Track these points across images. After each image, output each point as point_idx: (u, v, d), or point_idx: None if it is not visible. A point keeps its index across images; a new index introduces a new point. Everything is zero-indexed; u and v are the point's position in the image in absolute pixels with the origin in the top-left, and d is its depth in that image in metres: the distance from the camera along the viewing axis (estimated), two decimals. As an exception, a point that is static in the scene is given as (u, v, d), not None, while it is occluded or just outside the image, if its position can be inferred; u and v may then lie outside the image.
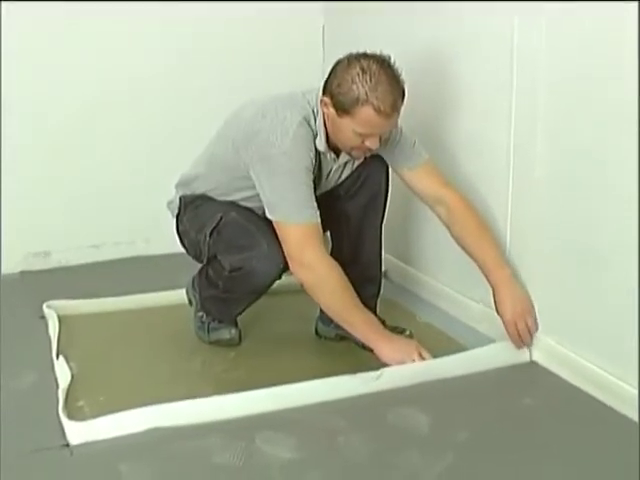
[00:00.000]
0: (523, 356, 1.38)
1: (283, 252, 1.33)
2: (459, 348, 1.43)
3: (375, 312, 1.52)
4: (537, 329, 1.36)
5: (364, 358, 1.38)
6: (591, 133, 1.21)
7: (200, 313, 1.55)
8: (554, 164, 1.30)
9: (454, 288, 1.49)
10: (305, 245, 1.29)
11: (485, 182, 1.51)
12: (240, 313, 1.49)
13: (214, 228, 1.38)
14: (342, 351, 1.39)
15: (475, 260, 1.40)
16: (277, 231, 1.31)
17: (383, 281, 1.55)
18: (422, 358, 1.31)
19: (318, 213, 1.31)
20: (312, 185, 1.31)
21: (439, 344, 1.49)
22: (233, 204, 1.42)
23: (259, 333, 1.57)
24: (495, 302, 1.36)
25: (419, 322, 1.63)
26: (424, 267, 1.79)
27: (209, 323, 1.52)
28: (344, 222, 1.46)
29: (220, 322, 1.51)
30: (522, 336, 1.35)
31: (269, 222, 1.34)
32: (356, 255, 1.48)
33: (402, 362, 1.29)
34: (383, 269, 1.55)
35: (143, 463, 1.08)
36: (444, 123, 1.60)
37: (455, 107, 1.56)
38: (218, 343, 1.52)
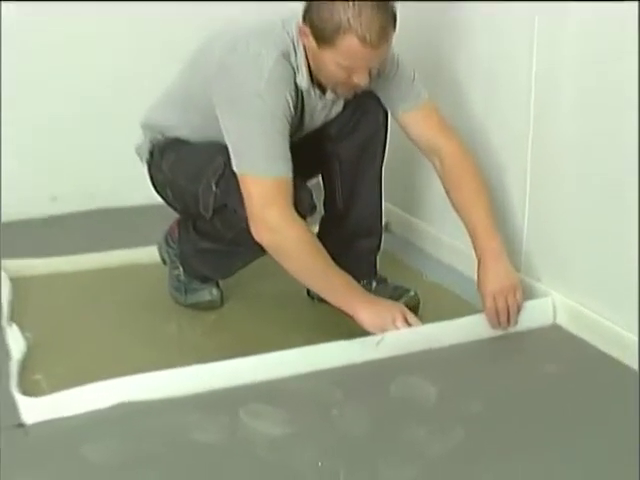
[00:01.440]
0: (544, 318, 1.38)
1: (310, 196, 1.32)
2: (471, 310, 1.41)
3: (375, 270, 1.54)
4: (519, 310, 1.35)
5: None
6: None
7: (176, 272, 1.54)
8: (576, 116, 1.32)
9: (465, 243, 1.45)
10: (271, 202, 1.26)
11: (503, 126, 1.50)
12: (239, 269, 1.48)
13: (221, 176, 1.32)
14: (338, 314, 1.37)
15: (465, 225, 1.39)
16: (241, 185, 1.27)
17: (384, 235, 1.55)
18: (408, 324, 1.29)
19: (291, 167, 1.28)
20: (287, 135, 1.27)
21: (448, 306, 1.49)
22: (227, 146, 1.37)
23: (243, 294, 1.57)
24: (477, 275, 1.36)
25: (426, 281, 1.63)
26: (431, 218, 1.78)
27: (188, 283, 1.52)
28: (337, 167, 1.44)
29: (203, 282, 1.51)
30: (499, 314, 1.33)
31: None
32: (352, 205, 1.47)
33: (384, 329, 1.28)
34: (384, 221, 1.55)
35: (110, 444, 1.06)
36: (458, 56, 1.59)
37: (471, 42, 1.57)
38: (197, 306, 1.52)
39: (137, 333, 1.41)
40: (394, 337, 1.28)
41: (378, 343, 1.27)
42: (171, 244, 1.56)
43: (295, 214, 1.29)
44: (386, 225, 1.80)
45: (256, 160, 1.26)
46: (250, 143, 1.25)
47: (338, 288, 1.31)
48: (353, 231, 1.49)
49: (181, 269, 1.53)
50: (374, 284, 1.50)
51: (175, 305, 1.53)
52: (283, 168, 1.26)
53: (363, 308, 1.29)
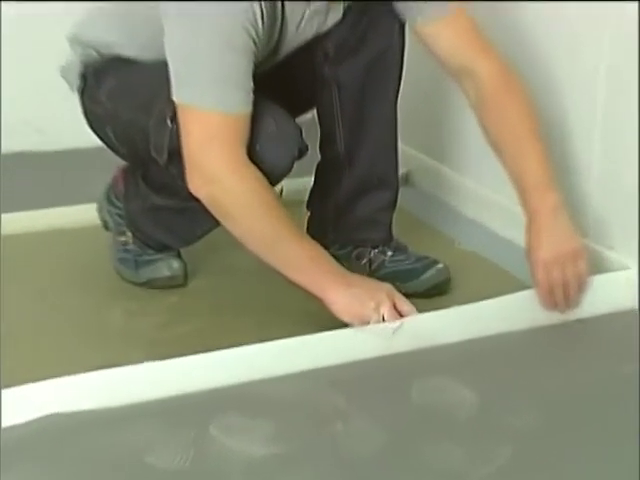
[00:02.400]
0: (619, 299, 1.35)
1: (298, 132, 1.34)
2: (519, 287, 1.40)
3: (390, 234, 1.55)
4: (583, 286, 1.33)
5: None
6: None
7: (123, 238, 1.55)
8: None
9: (511, 197, 1.43)
10: (213, 143, 1.25)
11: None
12: (206, 233, 1.49)
13: None
14: None
15: (510, 174, 1.38)
16: (179, 120, 1.28)
17: (401, 188, 1.56)
18: (398, 313, 1.28)
19: (250, 101, 1.27)
20: (250, 55, 1.26)
21: (488, 281, 1.50)
22: None
23: (214, 268, 1.58)
24: (526, 239, 1.34)
25: (458, 249, 1.65)
26: (465, 166, 1.79)
27: (138, 253, 1.53)
28: (336, 96, 1.43)
29: (159, 251, 1.53)
30: (554, 290, 1.32)
31: (269, 88, 1.32)
32: (357, 148, 1.47)
33: (363, 318, 1.27)
34: (402, 170, 1.56)
35: (33, 472, 1.03)
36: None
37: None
38: (152, 284, 1.52)
39: (71, 322, 1.40)
40: (416, 323, 1.28)
41: (395, 331, 1.26)
42: (115, 202, 1.56)
43: (246, 161, 1.28)
44: (405, 176, 1.86)
45: (201, 87, 1.24)
46: (194, 64, 1.24)
47: (300, 261, 1.29)
48: (359, 183, 1.49)
49: (129, 235, 1.54)
50: (389, 254, 1.51)
51: (122, 283, 1.53)
52: (238, 101, 1.25)
53: (335, 289, 1.28)
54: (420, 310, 1.30)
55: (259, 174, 1.29)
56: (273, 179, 1.34)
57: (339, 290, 1.27)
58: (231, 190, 1.27)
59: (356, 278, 1.33)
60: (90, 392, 1.14)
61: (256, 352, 1.22)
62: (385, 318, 1.26)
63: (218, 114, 1.24)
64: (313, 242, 1.33)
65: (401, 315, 1.28)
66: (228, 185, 1.26)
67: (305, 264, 1.29)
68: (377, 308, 1.27)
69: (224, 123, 1.25)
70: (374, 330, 1.26)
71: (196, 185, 1.28)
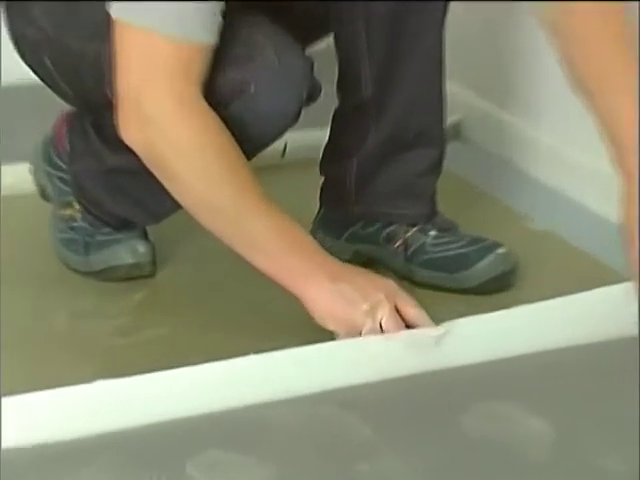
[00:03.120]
0: None
1: (308, 67, 1.34)
2: (612, 279, 1.38)
3: (433, 207, 1.54)
4: None
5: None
6: None
7: (68, 212, 1.55)
8: None
9: (604, 160, 1.41)
10: (157, 77, 1.27)
11: None
12: (180, 206, 1.48)
13: None
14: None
15: (600, 123, 1.36)
16: (116, 41, 1.29)
17: (450, 144, 1.56)
18: (401, 318, 1.28)
19: (216, 26, 1.28)
20: None
21: (569, 272, 1.49)
22: None
23: (190, 253, 1.58)
24: (621, 209, 1.33)
25: (529, 229, 1.63)
26: (539, 115, 1.79)
27: (90, 232, 1.53)
28: (362, 20, 1.43)
29: (117, 229, 1.53)
30: None
31: (270, 8, 1.32)
32: (389, 89, 1.47)
33: (352, 325, 1.27)
34: (450, 119, 1.57)
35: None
36: None
37: None
38: (108, 275, 1.52)
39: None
40: (468, 329, 1.27)
41: (439, 340, 1.25)
42: (56, 161, 1.55)
43: (199, 101, 1.28)
44: (454, 127, 1.86)
45: (142, 3, 1.25)
46: None
47: (269, 241, 1.29)
48: (391, 138, 1.49)
49: (77, 207, 1.53)
50: (432, 234, 1.50)
51: (67, 274, 1.53)
52: (196, 24, 1.26)
53: (316, 283, 1.28)
54: (474, 311, 1.30)
55: (217, 118, 1.29)
56: (273, 131, 1.34)
57: (321, 284, 1.27)
58: (173, 135, 1.27)
59: (347, 269, 1.32)
60: (22, 422, 1.12)
61: (248, 366, 1.21)
62: (383, 326, 1.26)
63: (166, 39, 1.25)
64: (287, 216, 1.31)
65: (406, 322, 1.27)
66: (169, 128, 1.27)
67: (275, 246, 1.29)
68: (372, 312, 1.26)
69: (173, 52, 1.25)
70: (411, 339, 1.25)
71: (130, 130, 1.29)
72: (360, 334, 1.26)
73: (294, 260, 1.29)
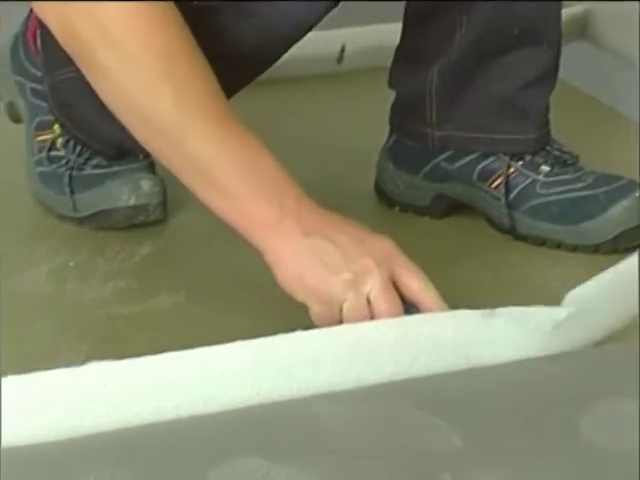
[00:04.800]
0: None
1: None
2: None
3: (545, 132, 1.51)
4: None
5: (494, 261, 1.45)
6: None
7: (46, 136, 1.58)
8: None
9: None
10: None
11: None
12: None
13: None
14: (445, 242, 1.39)
15: None
16: None
17: (567, 45, 1.60)
18: (402, 299, 1.26)
19: None
20: None
21: None
22: None
23: None
24: None
25: None
26: None
27: (77, 165, 1.56)
28: None
29: (115, 160, 1.55)
30: None
31: None
32: None
33: (328, 302, 1.27)
34: (570, 10, 1.67)
35: None
36: None
37: None
38: (102, 221, 1.55)
39: None
40: (588, 301, 1.26)
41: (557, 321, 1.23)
42: (29, 69, 1.59)
43: None
44: (577, 21, 1.80)
45: None
46: None
47: (222, 178, 1.28)
48: (487, 34, 1.48)
49: (57, 130, 1.57)
50: (544, 169, 1.50)
51: (49, 219, 1.57)
52: None
53: (282, 237, 1.27)
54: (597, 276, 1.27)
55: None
56: (287, 26, 1.38)
57: (290, 237, 1.26)
58: (99, 10, 1.25)
59: (329, 220, 1.28)
60: None
61: (291, 346, 1.21)
62: (372, 302, 1.23)
63: None
64: (253, 141, 1.28)
65: (403, 298, 1.24)
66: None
67: (230, 182, 1.27)
68: (357, 282, 1.24)
69: None
70: (504, 314, 1.23)
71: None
72: (340, 311, 1.24)
73: (255, 202, 1.27)
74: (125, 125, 1.30)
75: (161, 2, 1.29)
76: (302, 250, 1.26)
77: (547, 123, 1.52)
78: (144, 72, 1.28)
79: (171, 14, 1.29)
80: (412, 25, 1.53)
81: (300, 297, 1.25)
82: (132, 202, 1.52)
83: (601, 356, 1.27)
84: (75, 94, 1.50)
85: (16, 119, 1.60)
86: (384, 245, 1.27)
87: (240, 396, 1.20)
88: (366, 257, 1.25)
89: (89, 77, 1.30)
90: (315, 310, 1.24)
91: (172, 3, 1.29)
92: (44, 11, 1.30)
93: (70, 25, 1.27)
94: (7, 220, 1.56)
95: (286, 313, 1.29)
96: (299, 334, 1.23)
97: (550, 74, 1.52)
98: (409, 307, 1.26)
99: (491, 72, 1.50)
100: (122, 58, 1.27)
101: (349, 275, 1.24)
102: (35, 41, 1.55)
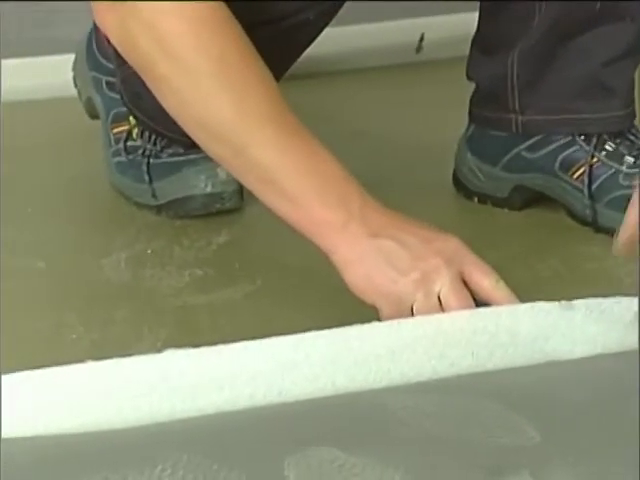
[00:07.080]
0: None
1: None
2: None
3: (631, 114, 1.52)
4: None
5: (575, 254, 1.46)
6: None
7: (123, 127, 1.61)
8: None
9: None
10: None
11: None
12: None
13: None
14: (525, 235, 1.38)
15: None
16: None
17: None
18: (472, 296, 1.26)
19: None
20: None
21: None
22: None
23: None
24: None
25: None
26: None
27: (154, 154, 1.60)
28: None
29: (190, 149, 1.56)
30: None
31: None
32: None
33: (397, 303, 1.27)
34: None
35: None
36: None
37: None
38: (178, 208, 1.58)
39: (44, 280, 1.44)
40: None
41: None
42: (103, 63, 1.62)
43: None
44: None
45: None
46: None
47: (286, 184, 1.28)
48: (567, 11, 1.48)
49: (132, 122, 1.59)
50: (628, 160, 1.49)
51: (125, 207, 1.59)
52: None
53: (349, 239, 1.27)
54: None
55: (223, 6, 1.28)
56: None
57: (357, 240, 1.26)
58: (157, 21, 1.28)
59: (396, 221, 1.28)
60: (71, 399, 1.12)
61: (366, 337, 1.21)
62: (443, 302, 1.23)
63: None
64: (317, 148, 1.29)
65: (475, 298, 1.24)
66: (149, 10, 1.27)
67: (295, 188, 1.28)
68: (426, 281, 1.24)
69: None
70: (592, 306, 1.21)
71: (103, 9, 1.30)
72: (411, 312, 1.24)
73: (321, 206, 1.28)
74: (187, 132, 1.33)
75: (218, 10, 1.32)
76: (369, 252, 1.27)
77: (633, 101, 1.51)
78: (203, 81, 1.30)
79: (228, 21, 1.31)
80: (489, 12, 1.53)
81: (369, 299, 1.26)
82: (208, 190, 1.54)
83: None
84: (145, 86, 1.49)
85: (93, 115, 1.63)
86: (452, 244, 1.28)
87: (315, 386, 1.19)
88: (434, 256, 1.26)
89: (150, 86, 1.33)
90: (385, 311, 1.25)
91: (226, 6, 1.31)
92: (105, 24, 1.32)
93: (130, 38, 1.30)
94: (87, 210, 1.60)
95: (362, 304, 1.30)
96: (375, 325, 1.23)
97: (634, 49, 1.51)
98: (481, 306, 1.26)
99: (573, 51, 1.50)
100: (181, 68, 1.30)
101: (418, 275, 1.24)
102: (107, 37, 1.55)
